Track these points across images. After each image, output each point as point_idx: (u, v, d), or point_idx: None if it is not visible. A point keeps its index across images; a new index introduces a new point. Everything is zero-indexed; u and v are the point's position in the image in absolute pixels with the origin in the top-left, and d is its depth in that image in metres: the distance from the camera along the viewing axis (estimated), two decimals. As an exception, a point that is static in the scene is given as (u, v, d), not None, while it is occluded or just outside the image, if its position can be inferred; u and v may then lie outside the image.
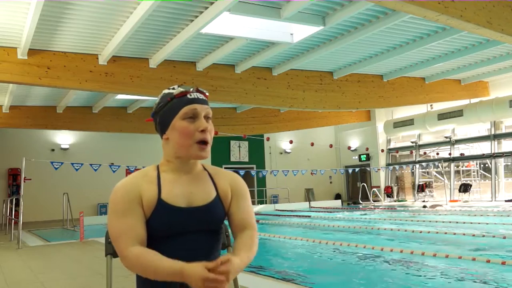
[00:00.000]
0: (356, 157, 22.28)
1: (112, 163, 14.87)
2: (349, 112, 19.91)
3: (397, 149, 21.49)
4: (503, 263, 5.13)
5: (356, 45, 10.48)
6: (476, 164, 19.47)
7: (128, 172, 14.57)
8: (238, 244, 1.57)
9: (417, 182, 20.61)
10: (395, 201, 20.35)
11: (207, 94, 1.61)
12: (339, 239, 7.81)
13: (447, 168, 19.33)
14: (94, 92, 12.22)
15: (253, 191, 20.18)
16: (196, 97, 1.55)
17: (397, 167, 20.32)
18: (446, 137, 19.40)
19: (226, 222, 1.69)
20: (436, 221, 10.48)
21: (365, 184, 20.33)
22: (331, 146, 21.32)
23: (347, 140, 22.80)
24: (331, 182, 23.15)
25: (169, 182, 1.55)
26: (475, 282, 4.57)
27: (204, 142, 1.53)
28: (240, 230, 1.62)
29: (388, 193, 20.87)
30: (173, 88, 1.58)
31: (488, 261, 5.34)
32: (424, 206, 15.90)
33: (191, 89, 1.56)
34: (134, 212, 1.48)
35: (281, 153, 22.32)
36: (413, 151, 20.71)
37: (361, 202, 19.84)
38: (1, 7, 7.24)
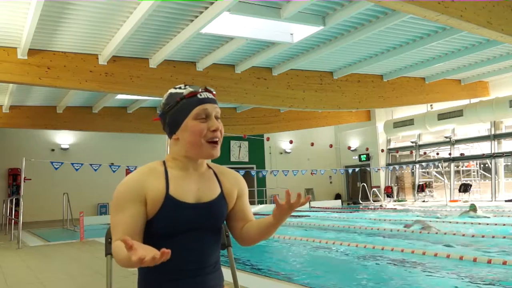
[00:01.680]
0: (356, 157, 22.28)
1: (112, 163, 14.87)
2: (349, 112, 19.91)
3: (397, 149, 21.50)
4: (504, 263, 5.13)
5: (356, 45, 10.48)
6: (476, 164, 19.47)
7: (128, 172, 14.54)
8: (258, 220, 1.64)
9: (417, 182, 20.62)
10: (395, 201, 20.35)
11: (214, 93, 1.61)
12: (339, 239, 7.82)
13: (447, 168, 19.34)
14: (94, 92, 12.21)
15: (253, 191, 20.18)
16: (206, 97, 1.56)
17: (397, 167, 20.32)
18: (446, 137, 19.40)
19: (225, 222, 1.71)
20: (436, 221, 10.48)
21: (365, 184, 20.33)
22: (331, 146, 21.33)
23: (347, 140, 22.80)
24: (331, 182, 23.15)
25: (176, 178, 1.55)
26: (476, 281, 4.56)
27: (214, 141, 1.55)
28: (247, 221, 1.68)
29: (388, 193, 20.88)
30: (180, 88, 1.57)
31: (489, 261, 5.34)
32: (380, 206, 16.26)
33: (200, 89, 1.57)
34: (131, 209, 1.47)
35: (281, 153, 22.32)
36: (413, 151, 20.71)
37: (361, 202, 19.84)
38: (1, 7, 7.24)
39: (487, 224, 9.42)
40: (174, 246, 1.48)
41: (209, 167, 1.68)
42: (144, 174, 1.53)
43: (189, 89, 1.55)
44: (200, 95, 1.55)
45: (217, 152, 1.56)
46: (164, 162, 1.60)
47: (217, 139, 1.55)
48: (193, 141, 1.52)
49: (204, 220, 1.54)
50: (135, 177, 1.52)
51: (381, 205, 17.34)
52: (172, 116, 1.56)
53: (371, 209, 16.38)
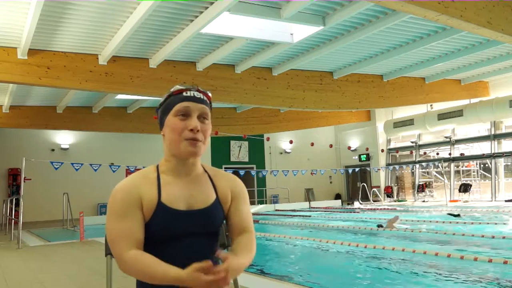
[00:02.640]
0: (356, 157, 22.28)
1: (112, 163, 14.87)
2: (349, 112, 19.92)
3: (397, 149, 21.49)
4: (505, 262, 5.13)
5: (356, 45, 10.48)
6: (476, 164, 19.47)
7: (128, 172, 14.56)
8: (237, 246, 1.56)
9: (417, 182, 20.61)
10: (395, 201, 20.34)
11: (209, 94, 1.59)
12: (340, 239, 7.81)
13: (447, 168, 19.33)
14: (94, 92, 12.22)
15: (253, 191, 20.18)
16: (192, 95, 1.53)
17: (397, 167, 20.32)
18: (446, 137, 19.40)
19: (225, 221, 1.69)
20: (437, 221, 10.48)
21: (365, 184, 20.33)
22: (331, 146, 21.32)
23: (347, 140, 22.80)
24: (331, 182, 23.15)
25: (169, 184, 1.53)
26: (477, 281, 4.56)
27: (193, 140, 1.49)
28: (238, 233, 1.61)
29: (388, 193, 20.87)
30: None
31: (490, 261, 5.34)
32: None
33: (190, 88, 1.55)
34: (133, 215, 1.46)
35: (281, 153, 22.32)
36: (413, 151, 20.71)
37: (361, 202, 19.84)
38: (1, 7, 7.24)
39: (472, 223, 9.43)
40: (171, 250, 1.48)
41: (205, 171, 1.64)
42: (137, 179, 1.52)
43: (177, 87, 1.55)
44: (186, 93, 1.53)
45: (198, 149, 1.49)
46: (157, 167, 1.58)
47: (196, 139, 1.49)
48: (171, 138, 1.50)
49: (199, 227, 1.52)
50: (131, 183, 1.51)
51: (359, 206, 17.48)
52: (160, 113, 1.58)
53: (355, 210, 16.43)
